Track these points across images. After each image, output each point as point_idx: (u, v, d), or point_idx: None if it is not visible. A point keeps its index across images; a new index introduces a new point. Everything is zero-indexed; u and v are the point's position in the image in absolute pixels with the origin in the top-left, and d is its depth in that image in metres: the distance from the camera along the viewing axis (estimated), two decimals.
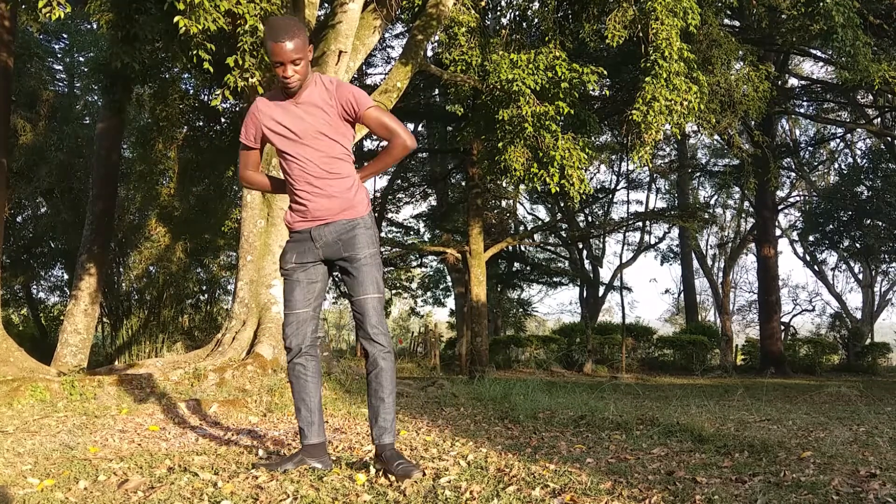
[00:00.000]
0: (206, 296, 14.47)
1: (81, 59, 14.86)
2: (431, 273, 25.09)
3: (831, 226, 17.36)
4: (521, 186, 15.22)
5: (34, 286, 15.10)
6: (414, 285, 25.34)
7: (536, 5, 9.43)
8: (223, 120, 10.71)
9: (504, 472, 2.37)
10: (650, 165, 8.32)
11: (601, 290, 23.65)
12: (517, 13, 9.90)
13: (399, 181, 20.04)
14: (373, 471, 2.37)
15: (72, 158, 12.42)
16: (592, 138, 9.56)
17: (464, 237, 15.04)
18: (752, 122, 14.00)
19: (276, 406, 4.41)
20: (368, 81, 15.42)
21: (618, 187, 22.41)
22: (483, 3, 8.85)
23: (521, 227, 22.96)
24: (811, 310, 27.15)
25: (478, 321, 13.37)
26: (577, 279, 23.55)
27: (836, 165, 22.68)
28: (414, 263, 22.28)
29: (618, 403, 4.83)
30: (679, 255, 24.52)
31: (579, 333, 17.31)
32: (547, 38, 8.25)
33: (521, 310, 25.65)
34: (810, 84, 17.90)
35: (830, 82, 16.32)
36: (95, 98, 14.12)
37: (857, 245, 17.72)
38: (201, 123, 10.70)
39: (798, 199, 24.10)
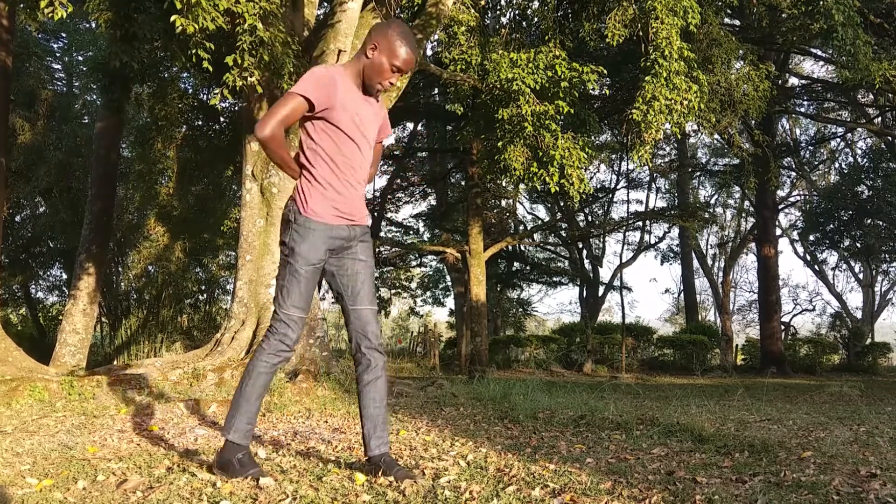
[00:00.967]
0: (205, 295, 14.46)
1: (80, 58, 14.85)
2: (431, 273, 25.10)
3: (832, 225, 17.35)
4: (521, 186, 15.20)
5: (33, 286, 15.09)
6: (413, 285, 25.34)
7: (536, 4, 9.42)
8: (222, 119, 10.70)
9: (504, 472, 2.37)
10: (650, 165, 8.32)
11: (601, 290, 23.65)
12: (517, 12, 9.89)
13: (399, 180, 20.03)
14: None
15: (70, 158, 12.42)
16: (592, 138, 9.55)
17: (463, 237, 15.04)
18: (753, 122, 13.99)
19: (276, 406, 4.40)
20: None
21: (618, 187, 22.42)
22: (483, 2, 8.83)
23: (521, 227, 22.95)
24: (811, 309, 27.19)
25: (477, 321, 13.36)
26: (576, 279, 23.55)
27: (837, 165, 22.69)
28: (413, 263, 22.28)
29: (618, 403, 4.82)
30: (679, 255, 24.51)
31: (579, 333, 17.31)
32: (547, 37, 8.24)
33: (520, 309, 25.65)
34: (811, 83, 17.89)
35: (831, 81, 16.32)
36: (94, 97, 14.11)
37: (858, 244, 17.71)
38: (200, 123, 10.68)
39: (798, 198, 24.10)
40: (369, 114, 2.37)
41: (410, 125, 18.37)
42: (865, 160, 18.84)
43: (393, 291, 23.92)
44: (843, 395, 7.16)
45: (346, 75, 2.32)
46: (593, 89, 8.73)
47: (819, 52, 13.74)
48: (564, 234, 22.80)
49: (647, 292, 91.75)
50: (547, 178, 7.50)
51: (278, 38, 5.00)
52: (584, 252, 23.58)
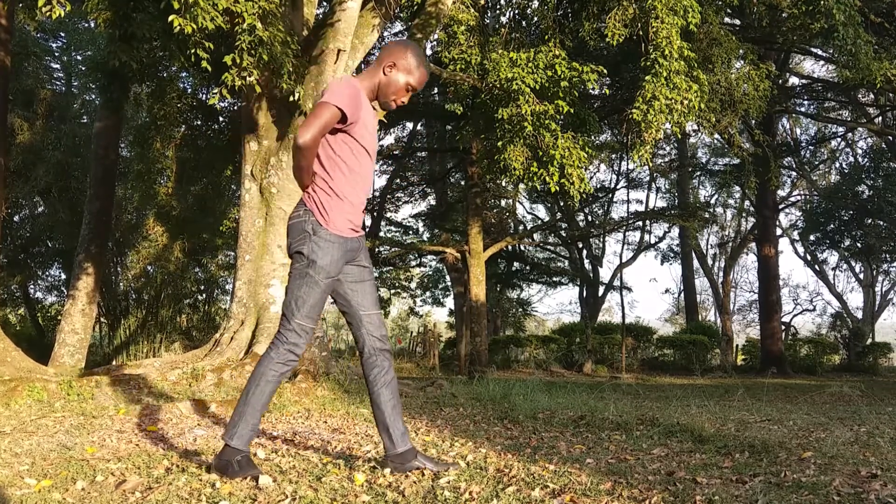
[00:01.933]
0: (204, 295, 14.45)
1: (79, 57, 14.85)
2: (430, 273, 25.11)
3: (832, 225, 17.33)
4: (521, 185, 15.21)
5: (31, 286, 15.10)
6: (413, 285, 25.34)
7: (536, 4, 9.42)
8: (221, 119, 10.69)
9: (503, 472, 2.36)
10: (650, 164, 8.32)
11: (601, 290, 23.66)
12: (516, 11, 9.88)
13: (398, 180, 20.03)
14: (369, 470, 2.36)
15: (69, 157, 12.41)
16: (592, 137, 9.54)
17: (463, 236, 15.04)
18: (753, 121, 13.98)
19: (275, 406, 4.39)
20: None
21: (618, 186, 22.43)
22: (482, 2, 8.83)
23: (521, 227, 22.96)
24: (812, 310, 27.19)
25: (477, 321, 13.35)
26: (576, 279, 23.56)
27: (837, 164, 22.69)
28: (413, 263, 22.27)
29: (618, 403, 4.81)
30: (679, 255, 24.51)
31: (579, 333, 17.30)
32: (546, 37, 8.23)
33: (520, 309, 25.65)
34: (811, 83, 17.89)
35: (831, 81, 16.31)
36: (93, 97, 14.11)
37: (858, 244, 17.70)
38: (199, 122, 10.67)
39: (799, 198, 24.10)
40: (376, 127, 2.44)
41: (410, 125, 18.37)
42: (866, 160, 18.83)
43: (392, 291, 23.92)
44: (843, 395, 7.15)
45: (363, 88, 2.36)
46: (593, 89, 8.72)
47: (819, 52, 13.74)
48: (564, 234, 22.81)
49: (647, 292, 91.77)
50: (547, 178, 7.49)
51: (277, 38, 4.99)
52: (584, 252, 23.59)
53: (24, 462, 2.60)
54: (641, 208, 22.68)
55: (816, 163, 22.80)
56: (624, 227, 22.12)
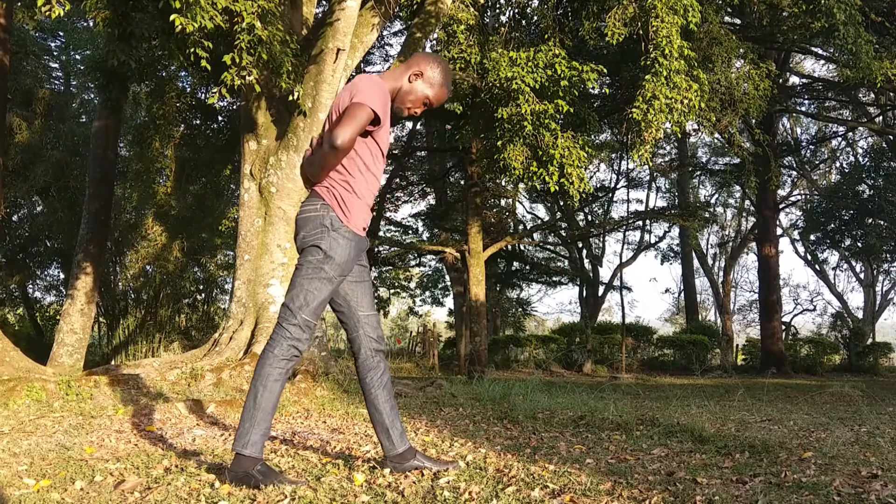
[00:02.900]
0: (203, 295, 14.44)
1: (78, 56, 14.83)
2: (430, 272, 25.10)
3: (832, 225, 17.31)
4: (521, 185, 15.20)
5: (30, 285, 15.09)
6: (412, 285, 25.34)
7: (536, 3, 9.41)
8: (220, 118, 10.68)
9: (503, 472, 2.35)
10: (650, 164, 8.31)
11: (601, 290, 23.65)
12: (516, 11, 9.86)
13: (398, 180, 20.01)
14: (368, 471, 2.35)
15: (68, 157, 12.40)
16: (592, 137, 9.54)
17: (462, 236, 15.03)
18: (753, 121, 13.96)
19: None
20: None
21: (618, 186, 22.41)
22: (482, 1, 8.81)
23: (521, 226, 22.94)
24: (812, 309, 27.18)
25: (476, 321, 13.35)
26: (576, 278, 23.55)
27: (838, 164, 22.68)
28: (412, 263, 22.27)
29: (618, 403, 4.81)
30: (679, 255, 24.51)
31: (579, 333, 17.29)
32: (546, 36, 8.22)
33: (520, 309, 25.65)
34: (811, 82, 17.88)
35: (832, 80, 16.30)
36: (92, 96, 14.10)
37: (859, 244, 17.67)
38: (198, 122, 10.67)
39: (799, 197, 24.09)
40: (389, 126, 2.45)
41: (409, 124, 18.34)
42: (866, 159, 18.80)
43: (392, 291, 23.92)
44: (844, 395, 7.14)
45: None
46: (593, 88, 8.72)
47: (820, 51, 13.73)
48: (564, 234, 22.80)
49: (647, 292, 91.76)
50: (546, 178, 7.49)
51: (277, 37, 4.98)
52: (584, 252, 23.58)
53: (23, 462, 2.59)
54: (641, 208, 22.70)
55: (817, 162, 22.80)
56: (624, 227, 22.11)
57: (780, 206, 21.58)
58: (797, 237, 24.17)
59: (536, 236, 23.62)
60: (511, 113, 7.39)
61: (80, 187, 11.59)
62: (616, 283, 22.47)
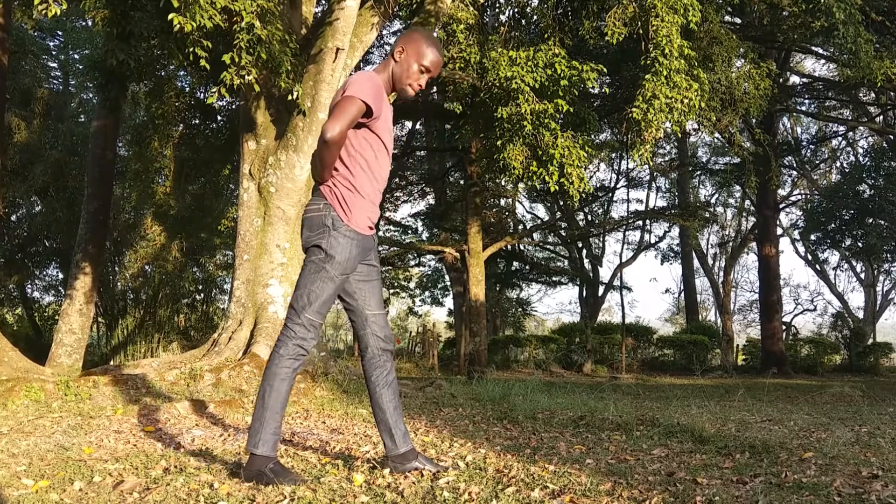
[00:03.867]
0: (202, 295, 14.44)
1: (76, 56, 14.82)
2: (429, 272, 25.08)
3: (833, 225, 17.29)
4: (520, 185, 15.18)
5: (29, 285, 15.07)
6: (412, 284, 25.33)
7: (535, 2, 9.40)
8: (219, 118, 10.67)
9: (503, 473, 2.34)
10: (650, 164, 8.30)
11: (601, 290, 23.64)
12: (516, 10, 9.85)
13: (397, 179, 19.99)
14: (368, 471, 2.34)
15: (67, 157, 12.39)
16: (592, 136, 9.52)
17: (462, 236, 15.02)
18: (753, 120, 13.96)
19: None
20: None
21: (618, 186, 22.40)
22: (482, 0, 8.80)
23: (521, 226, 22.92)
24: (813, 309, 27.15)
25: (476, 321, 13.34)
26: (576, 278, 23.54)
27: (838, 164, 22.67)
28: (412, 263, 22.26)
29: (618, 404, 4.80)
30: (679, 255, 24.49)
31: (579, 333, 17.29)
32: (546, 36, 8.21)
33: (520, 309, 25.64)
34: (812, 81, 17.88)
35: (832, 80, 16.29)
36: (90, 96, 14.08)
37: (859, 244, 17.66)
38: (197, 121, 10.65)
39: (799, 197, 24.08)
40: (391, 121, 2.42)
41: (409, 124, 18.33)
42: (867, 159, 18.79)
43: (391, 291, 23.91)
44: (844, 395, 7.13)
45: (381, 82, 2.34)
46: (593, 88, 8.72)
47: (820, 51, 13.72)
48: (564, 234, 22.79)
49: (647, 292, 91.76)
50: (546, 177, 7.48)
51: (276, 36, 4.97)
52: (584, 251, 23.57)
53: (22, 462, 2.59)
54: (641, 208, 22.68)
55: (817, 162, 22.79)
56: (624, 227, 22.10)
57: (781, 206, 21.57)
58: (797, 237, 24.15)
59: (536, 236, 23.61)
60: (511, 112, 7.38)
61: (79, 187, 11.58)
62: (616, 283, 22.47)
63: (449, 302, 23.45)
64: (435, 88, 14.79)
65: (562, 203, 20.08)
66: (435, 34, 8.03)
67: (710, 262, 26.68)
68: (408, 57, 2.33)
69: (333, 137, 2.16)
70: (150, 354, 11.34)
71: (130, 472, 2.42)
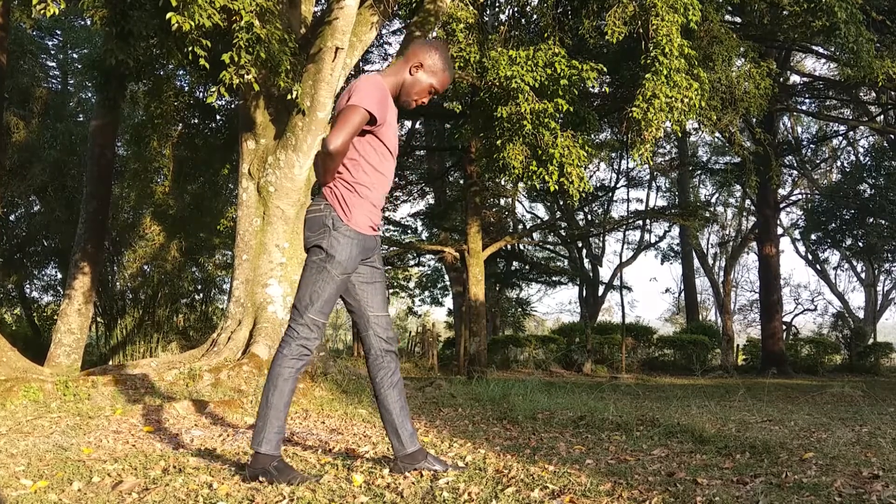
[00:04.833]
0: (201, 295, 14.43)
1: (75, 55, 14.82)
2: (429, 272, 25.08)
3: (833, 224, 17.30)
4: (520, 184, 15.17)
5: (27, 285, 15.07)
6: (411, 284, 25.33)
7: (535, 1, 9.39)
8: (219, 117, 10.64)
9: (502, 473, 2.34)
10: (650, 163, 8.29)
11: (601, 290, 23.63)
12: (516, 9, 9.84)
13: (397, 179, 19.99)
14: (367, 471, 2.33)
15: (65, 156, 12.37)
16: (592, 136, 9.51)
17: (462, 236, 15.02)
18: (754, 120, 13.95)
19: None
20: None
21: (618, 185, 22.41)
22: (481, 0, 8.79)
23: (520, 226, 22.93)
24: (813, 309, 27.14)
25: (476, 321, 13.33)
26: (576, 278, 23.54)
27: (839, 163, 22.66)
28: (412, 262, 22.25)
29: (618, 404, 4.79)
30: (679, 254, 24.49)
31: (579, 333, 17.28)
32: (546, 35, 8.20)
33: (519, 309, 25.64)
34: (812, 81, 17.84)
35: (833, 79, 16.26)
36: (89, 95, 14.07)
37: (860, 244, 17.67)
38: (196, 121, 10.62)
39: (800, 197, 24.07)
40: (396, 124, 2.43)
41: (408, 123, 18.31)
42: (867, 158, 18.80)
43: (391, 291, 23.89)
44: (844, 395, 7.12)
45: (388, 86, 2.34)
46: (593, 87, 8.70)
47: (821, 50, 13.70)
48: (564, 234, 22.78)
49: (647, 292, 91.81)
50: (546, 177, 7.46)
51: (275, 36, 4.96)
52: (584, 251, 23.56)
53: (21, 463, 2.59)
54: (641, 207, 22.69)
55: (818, 161, 22.78)
56: (624, 227, 22.10)
57: (781, 206, 21.55)
58: (798, 237, 24.16)
59: (536, 236, 23.60)
60: (510, 112, 7.37)
61: (78, 187, 11.57)
62: (616, 282, 22.46)
63: (448, 302, 23.45)
64: None
65: (562, 203, 20.07)
66: (434, 34, 8.03)
67: (711, 261, 26.68)
68: (423, 74, 2.34)
69: (336, 149, 2.18)
70: (149, 354, 11.32)
71: (129, 472, 2.41)
